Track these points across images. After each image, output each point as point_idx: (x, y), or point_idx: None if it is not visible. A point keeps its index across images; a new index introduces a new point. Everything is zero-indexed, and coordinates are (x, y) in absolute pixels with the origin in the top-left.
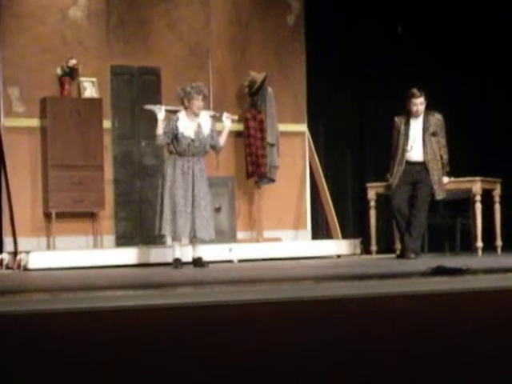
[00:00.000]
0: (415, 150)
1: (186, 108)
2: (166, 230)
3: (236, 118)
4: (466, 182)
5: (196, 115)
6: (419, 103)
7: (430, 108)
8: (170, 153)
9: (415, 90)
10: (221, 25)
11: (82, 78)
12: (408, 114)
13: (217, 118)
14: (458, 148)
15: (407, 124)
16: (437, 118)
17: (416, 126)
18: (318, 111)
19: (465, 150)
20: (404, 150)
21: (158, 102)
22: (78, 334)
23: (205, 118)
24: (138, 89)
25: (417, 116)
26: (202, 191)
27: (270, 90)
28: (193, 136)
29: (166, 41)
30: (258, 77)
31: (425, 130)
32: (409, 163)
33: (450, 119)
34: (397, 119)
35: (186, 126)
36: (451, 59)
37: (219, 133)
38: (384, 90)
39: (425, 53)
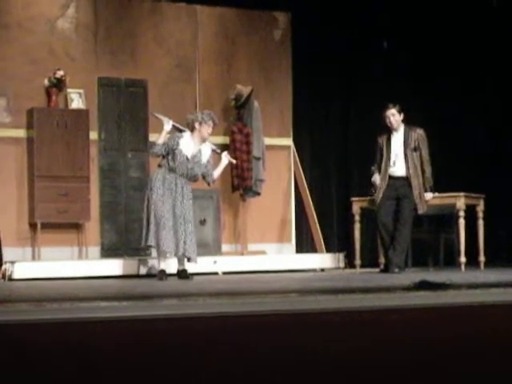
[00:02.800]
0: (398, 166)
1: (192, 131)
2: (152, 241)
3: (234, 162)
4: (450, 198)
5: (202, 141)
6: (391, 114)
7: (411, 123)
8: (160, 166)
9: (388, 104)
10: (208, 39)
11: (69, 90)
12: (389, 131)
13: (216, 153)
14: (442, 163)
15: (388, 140)
16: (418, 133)
17: (397, 142)
18: (303, 125)
19: (449, 165)
20: (387, 166)
21: (145, 114)
22: (63, 343)
23: (206, 148)
24: (124, 101)
25: (395, 130)
26: (189, 213)
27: (256, 103)
28: (189, 156)
29: (154, 54)
30: (245, 90)
31: (406, 145)
32: (392, 178)
33: (434, 134)
34: (379, 139)
35: (187, 146)
36: (436, 75)
37: (214, 167)
38: (370, 104)
39: (411, 68)
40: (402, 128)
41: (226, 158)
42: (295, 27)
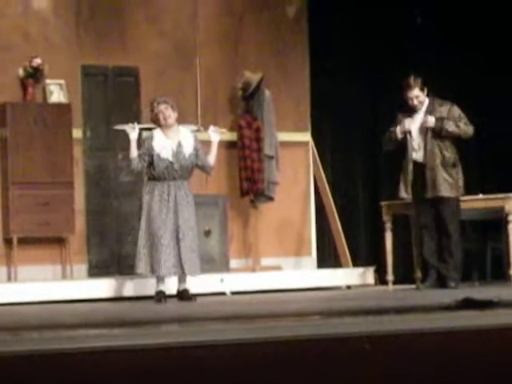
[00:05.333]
0: (422, 151)
1: (159, 126)
2: (142, 267)
3: (224, 130)
4: (497, 200)
5: (169, 128)
6: (414, 96)
7: (437, 97)
8: (149, 178)
9: (409, 80)
10: (210, 17)
11: (47, 81)
12: (412, 110)
13: (201, 133)
14: (487, 158)
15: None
16: (440, 111)
17: (419, 122)
18: (323, 117)
19: (495, 160)
20: (411, 153)
21: (137, 107)
22: (44, 379)
23: (186, 135)
24: (113, 92)
25: (419, 110)
26: (187, 221)
27: (267, 92)
28: (171, 158)
29: (146, 36)
30: (254, 78)
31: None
32: (417, 165)
33: (480, 125)
34: (400, 116)
35: (163, 145)
36: (485, 57)
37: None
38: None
39: (451, 49)
40: (425, 104)
41: (214, 134)
42: (312, 2)
